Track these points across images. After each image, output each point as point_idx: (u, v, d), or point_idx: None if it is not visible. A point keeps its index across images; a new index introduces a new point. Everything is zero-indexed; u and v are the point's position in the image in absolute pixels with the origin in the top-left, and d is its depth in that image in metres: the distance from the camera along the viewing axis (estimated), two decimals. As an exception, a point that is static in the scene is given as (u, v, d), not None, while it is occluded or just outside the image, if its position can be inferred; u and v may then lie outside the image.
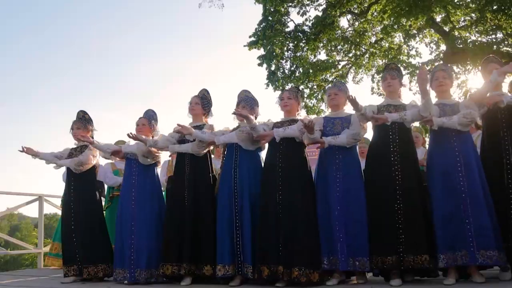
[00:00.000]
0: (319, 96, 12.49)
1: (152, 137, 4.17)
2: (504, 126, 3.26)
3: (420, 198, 3.28)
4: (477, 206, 3.06)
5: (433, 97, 3.46)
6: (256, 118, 3.84)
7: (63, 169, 4.49)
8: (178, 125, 3.81)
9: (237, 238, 3.58)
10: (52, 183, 17.94)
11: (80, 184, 4.20)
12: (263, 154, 3.88)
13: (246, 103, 3.83)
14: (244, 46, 12.02)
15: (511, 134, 3.22)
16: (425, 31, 11.30)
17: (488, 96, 3.26)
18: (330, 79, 12.47)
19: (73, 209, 4.13)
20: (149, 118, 4.24)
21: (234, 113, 3.63)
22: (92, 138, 4.43)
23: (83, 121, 4.37)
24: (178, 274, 3.67)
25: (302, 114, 3.83)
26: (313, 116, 3.72)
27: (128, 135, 3.91)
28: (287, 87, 12.05)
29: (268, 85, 12.20)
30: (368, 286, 3.28)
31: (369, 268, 3.31)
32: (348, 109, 3.69)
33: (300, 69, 12.14)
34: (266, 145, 3.75)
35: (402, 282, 3.20)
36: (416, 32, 11.26)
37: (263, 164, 3.78)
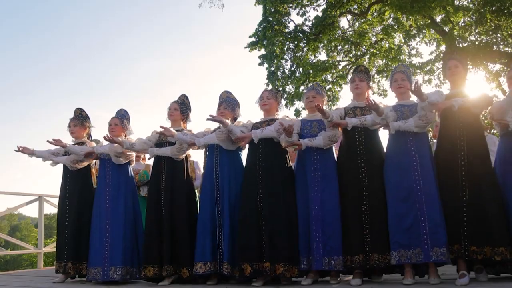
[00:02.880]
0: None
1: (125, 136, 4.24)
2: (460, 126, 3.25)
3: (385, 198, 3.36)
4: (431, 205, 3.16)
5: (394, 98, 3.58)
6: (236, 119, 3.93)
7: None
8: (161, 127, 3.86)
9: (219, 236, 3.64)
10: (52, 183, 17.92)
11: (76, 181, 4.24)
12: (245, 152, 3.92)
13: (228, 104, 3.91)
14: (245, 47, 12.05)
15: (467, 134, 3.22)
16: (425, 31, 11.30)
17: (438, 104, 3.24)
18: (330, 79, 12.48)
19: (68, 206, 4.17)
20: (121, 117, 4.27)
21: (208, 119, 3.65)
22: (90, 135, 4.48)
23: (80, 119, 4.40)
24: (160, 276, 3.73)
25: (281, 114, 3.87)
26: (288, 119, 3.76)
27: (104, 137, 3.94)
28: (287, 88, 12.12)
29: (268, 85, 12.20)
30: (369, 286, 3.29)
31: (343, 267, 3.41)
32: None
33: (300, 69, 12.15)
34: (247, 145, 3.80)
35: (362, 282, 3.29)
36: (416, 32, 11.27)
37: (244, 163, 3.85)
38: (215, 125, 3.94)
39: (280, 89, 12.08)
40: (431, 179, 3.23)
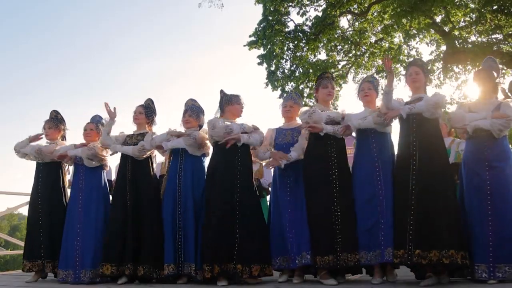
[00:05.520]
0: (319, 96, 12.48)
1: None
2: (414, 131, 3.32)
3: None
4: (389, 208, 3.33)
5: (361, 106, 3.76)
6: (201, 126, 4.07)
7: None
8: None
9: (179, 239, 3.76)
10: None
11: (48, 181, 4.33)
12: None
13: (192, 112, 4.05)
14: (244, 46, 12.05)
15: (420, 139, 3.28)
16: (425, 32, 11.29)
17: (387, 114, 3.38)
18: (330, 79, 12.45)
19: (40, 206, 4.25)
20: (96, 122, 4.42)
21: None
22: (64, 137, 4.58)
23: (55, 121, 4.49)
24: (117, 275, 3.81)
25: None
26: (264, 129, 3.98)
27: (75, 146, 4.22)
28: (286, 88, 12.13)
29: (267, 85, 12.23)
30: (369, 286, 3.29)
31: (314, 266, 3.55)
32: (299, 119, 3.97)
33: (300, 69, 12.15)
34: (210, 151, 3.98)
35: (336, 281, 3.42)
36: (416, 32, 11.26)
37: (206, 169, 3.97)
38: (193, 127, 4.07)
39: (279, 88, 12.11)
40: (391, 183, 3.40)
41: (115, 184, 4.24)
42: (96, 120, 4.45)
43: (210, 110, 4.21)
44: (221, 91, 3.97)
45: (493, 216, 3.11)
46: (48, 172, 4.34)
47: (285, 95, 4.41)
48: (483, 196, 3.16)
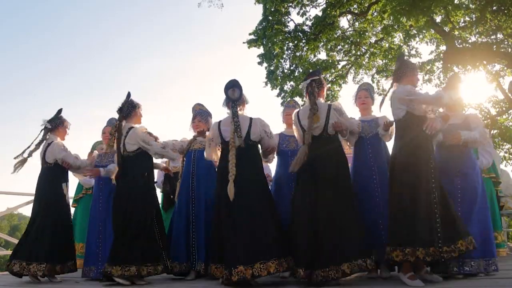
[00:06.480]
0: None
1: None
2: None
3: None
4: (387, 208, 3.40)
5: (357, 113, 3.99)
6: (209, 129, 4.11)
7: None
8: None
9: (193, 239, 3.88)
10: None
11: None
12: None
13: (201, 117, 4.22)
14: (243, 43, 12.07)
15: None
16: (425, 32, 11.30)
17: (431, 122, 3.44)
18: (330, 79, 12.48)
19: (67, 207, 4.41)
20: (113, 125, 4.53)
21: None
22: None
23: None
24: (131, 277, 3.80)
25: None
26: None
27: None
28: (285, 87, 12.14)
29: (266, 84, 12.24)
30: (369, 286, 3.28)
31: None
32: None
33: (300, 68, 12.15)
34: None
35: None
36: (416, 32, 11.26)
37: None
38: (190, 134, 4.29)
39: (279, 87, 12.13)
40: (387, 184, 3.49)
41: (117, 185, 4.22)
42: (112, 123, 4.61)
43: (214, 112, 4.33)
44: (239, 84, 3.75)
45: (462, 217, 3.29)
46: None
47: (285, 102, 4.49)
48: (454, 201, 3.34)
